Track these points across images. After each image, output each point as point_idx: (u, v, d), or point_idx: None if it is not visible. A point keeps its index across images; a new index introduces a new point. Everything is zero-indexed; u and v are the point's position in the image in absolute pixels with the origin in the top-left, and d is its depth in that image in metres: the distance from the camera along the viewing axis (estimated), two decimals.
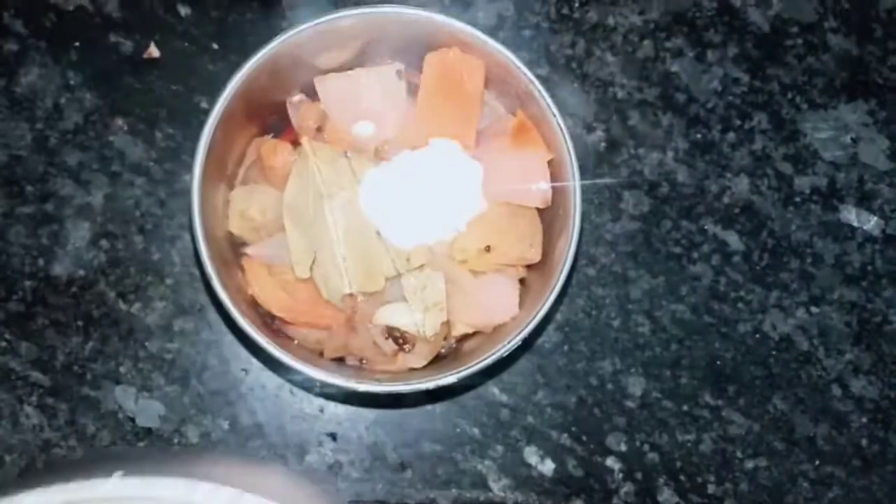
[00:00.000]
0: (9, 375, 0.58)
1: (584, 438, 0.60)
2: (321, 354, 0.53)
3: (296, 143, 0.53)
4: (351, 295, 0.51)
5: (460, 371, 0.49)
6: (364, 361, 0.53)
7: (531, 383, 0.60)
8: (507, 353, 0.49)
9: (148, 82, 0.62)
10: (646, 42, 0.65)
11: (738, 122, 0.64)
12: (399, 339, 0.52)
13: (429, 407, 0.59)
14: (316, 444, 0.59)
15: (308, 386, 0.59)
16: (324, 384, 0.49)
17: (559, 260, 0.50)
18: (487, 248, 0.52)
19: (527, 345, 0.60)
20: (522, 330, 0.49)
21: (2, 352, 0.58)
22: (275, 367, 0.59)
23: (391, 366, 0.52)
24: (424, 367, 0.52)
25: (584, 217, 0.50)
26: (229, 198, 0.53)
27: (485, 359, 0.49)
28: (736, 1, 0.65)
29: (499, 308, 0.52)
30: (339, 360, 0.54)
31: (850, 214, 0.63)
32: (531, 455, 0.60)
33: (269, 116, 0.55)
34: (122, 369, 0.59)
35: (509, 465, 0.59)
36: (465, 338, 0.54)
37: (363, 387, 0.48)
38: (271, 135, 0.55)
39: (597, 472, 0.60)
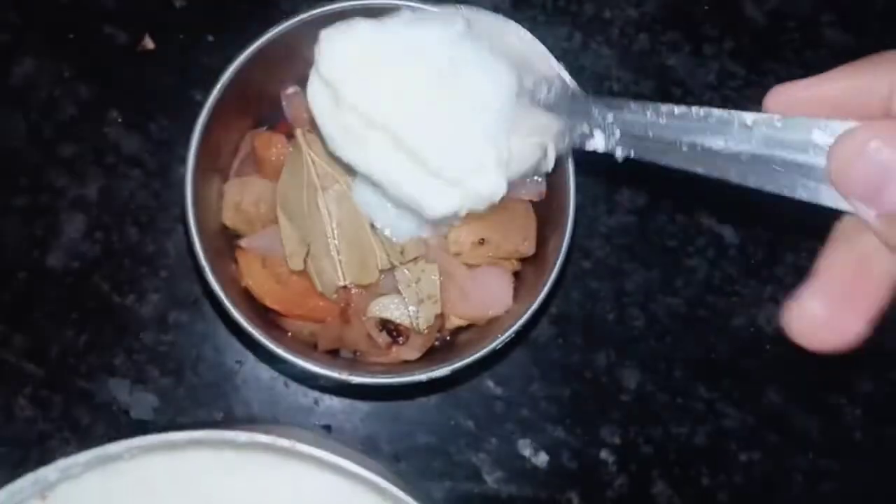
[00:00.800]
0: (3, 367, 0.58)
1: (579, 431, 0.60)
2: (315, 347, 0.53)
3: (290, 136, 0.53)
4: (345, 287, 0.51)
5: (454, 363, 0.49)
6: (358, 354, 0.53)
7: (526, 376, 0.60)
8: (501, 346, 0.49)
9: (142, 74, 0.62)
10: (642, 35, 0.64)
11: None
12: (393, 331, 0.52)
13: (423, 399, 0.59)
14: None
15: (302, 378, 0.59)
16: (318, 376, 0.49)
17: (553, 253, 0.50)
18: (481, 241, 0.52)
19: (521, 337, 0.60)
20: (516, 322, 0.49)
21: None
22: (269, 360, 0.59)
23: (385, 358, 0.52)
24: (418, 360, 0.52)
25: (579, 210, 0.50)
26: (223, 190, 0.53)
27: (478, 351, 0.49)
28: None
29: (493, 301, 0.52)
30: (334, 353, 0.54)
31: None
32: (525, 448, 0.60)
33: (264, 108, 0.55)
34: (116, 361, 0.59)
35: (503, 458, 0.59)
36: (459, 330, 0.54)
37: (357, 379, 0.48)
38: (265, 127, 0.55)
39: (591, 464, 0.60)
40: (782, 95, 0.33)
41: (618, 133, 0.39)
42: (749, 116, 0.34)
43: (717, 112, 0.35)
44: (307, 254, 0.51)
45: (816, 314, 0.31)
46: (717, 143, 0.35)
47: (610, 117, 0.39)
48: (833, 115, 0.31)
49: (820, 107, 0.32)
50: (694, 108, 0.35)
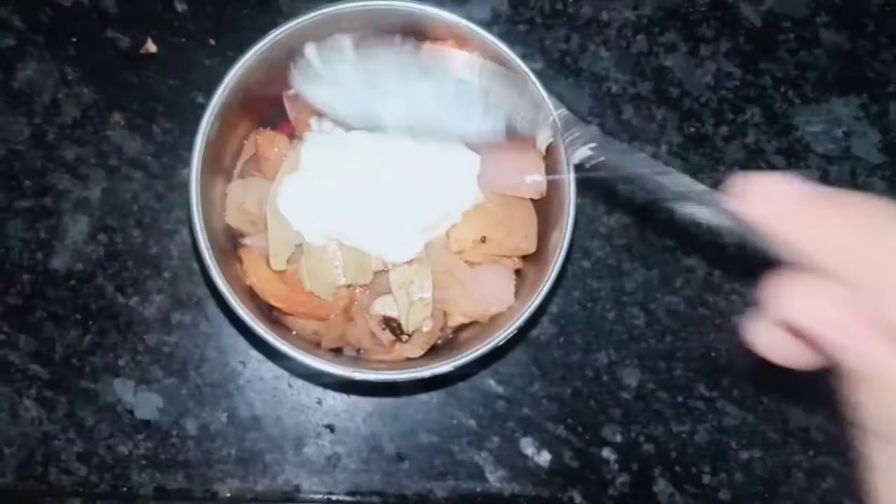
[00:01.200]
0: (8, 368, 0.59)
1: (580, 430, 0.60)
2: (319, 345, 0.53)
3: (292, 136, 0.54)
4: (349, 286, 0.52)
5: (456, 360, 0.49)
6: (361, 351, 0.53)
7: (527, 375, 0.61)
8: (502, 343, 0.49)
9: (145, 77, 0.62)
10: (639, 37, 0.65)
11: (731, 116, 0.64)
12: (396, 328, 0.52)
13: (425, 398, 0.60)
14: (314, 435, 0.59)
15: (306, 376, 0.59)
16: (321, 373, 0.49)
17: (554, 251, 0.50)
18: (483, 239, 0.52)
19: (522, 336, 0.61)
20: (518, 319, 0.49)
21: (0, 345, 0.59)
22: (273, 358, 0.59)
23: (388, 356, 0.53)
24: (421, 357, 0.53)
25: (579, 210, 0.50)
26: (227, 191, 0.54)
27: (480, 348, 0.49)
28: None
29: (495, 298, 0.53)
30: (337, 351, 0.54)
31: None
32: (527, 446, 0.60)
33: (266, 110, 0.55)
34: (120, 362, 0.59)
35: (506, 457, 0.60)
36: (461, 328, 0.54)
37: (360, 375, 0.49)
38: (268, 128, 0.55)
39: (592, 463, 0.60)
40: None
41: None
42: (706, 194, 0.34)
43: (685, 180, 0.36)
44: (292, 254, 0.51)
45: (774, 338, 0.30)
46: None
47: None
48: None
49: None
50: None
